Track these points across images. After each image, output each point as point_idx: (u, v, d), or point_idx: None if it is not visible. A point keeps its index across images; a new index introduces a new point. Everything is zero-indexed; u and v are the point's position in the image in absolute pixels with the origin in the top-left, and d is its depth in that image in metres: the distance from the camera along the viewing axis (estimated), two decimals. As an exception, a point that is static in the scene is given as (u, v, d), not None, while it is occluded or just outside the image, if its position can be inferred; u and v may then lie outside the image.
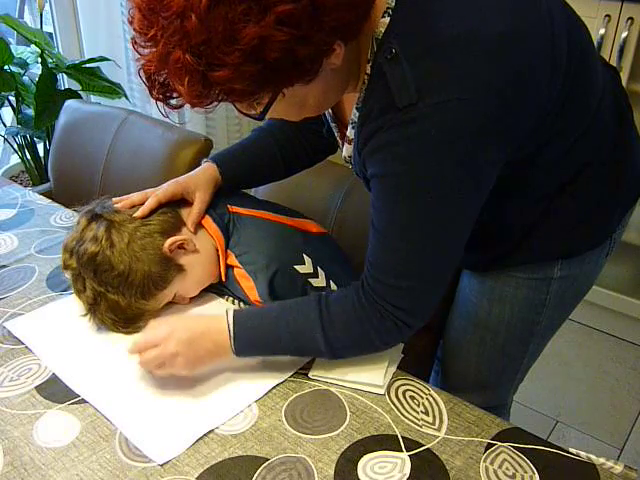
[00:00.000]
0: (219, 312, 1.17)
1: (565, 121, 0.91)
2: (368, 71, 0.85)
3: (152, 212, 1.12)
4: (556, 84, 0.86)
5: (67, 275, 1.12)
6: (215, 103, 0.80)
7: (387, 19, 0.82)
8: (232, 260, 1.14)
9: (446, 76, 0.79)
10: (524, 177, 0.96)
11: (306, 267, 1.13)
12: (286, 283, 1.11)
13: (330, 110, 1.06)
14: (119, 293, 1.06)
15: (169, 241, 1.09)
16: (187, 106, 0.81)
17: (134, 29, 0.76)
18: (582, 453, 0.89)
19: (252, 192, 1.50)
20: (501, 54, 0.80)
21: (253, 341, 0.99)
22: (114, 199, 1.15)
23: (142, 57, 0.78)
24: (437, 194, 0.84)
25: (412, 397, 0.99)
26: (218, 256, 1.16)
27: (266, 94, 0.81)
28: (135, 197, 1.14)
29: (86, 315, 1.11)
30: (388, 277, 0.92)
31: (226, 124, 2.88)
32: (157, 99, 0.81)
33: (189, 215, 1.15)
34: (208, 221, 1.16)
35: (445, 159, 0.81)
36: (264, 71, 0.74)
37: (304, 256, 1.14)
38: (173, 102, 0.82)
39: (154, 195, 1.13)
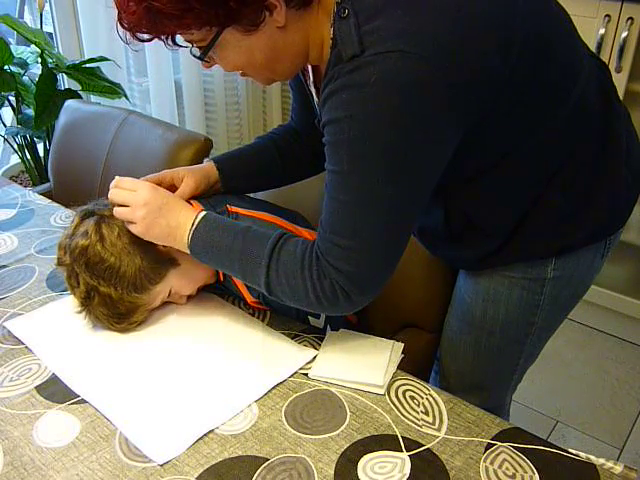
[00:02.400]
0: (218, 311, 1.18)
1: (539, 104, 0.92)
2: (331, 35, 0.88)
3: None
4: (511, 59, 0.86)
5: (61, 272, 1.12)
6: (161, 38, 0.88)
7: None
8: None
9: (393, 31, 0.81)
10: (507, 169, 0.96)
11: None
12: None
13: (317, 98, 1.06)
14: (111, 286, 1.06)
15: None
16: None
17: None
18: (582, 453, 0.89)
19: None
20: (455, 18, 0.82)
21: (207, 242, 1.01)
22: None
23: None
24: (375, 144, 0.84)
25: (412, 397, 0.99)
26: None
27: (200, 32, 0.87)
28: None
29: (81, 312, 1.11)
30: (330, 233, 0.92)
31: (226, 124, 2.88)
32: (120, 24, 0.88)
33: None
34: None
35: (384, 108, 0.82)
36: None
37: None
38: (144, 37, 0.89)
39: (143, 178, 1.17)
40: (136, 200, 1.04)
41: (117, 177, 1.09)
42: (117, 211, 1.06)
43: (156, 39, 0.89)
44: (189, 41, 0.91)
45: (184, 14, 0.83)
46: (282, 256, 0.96)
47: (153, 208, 1.03)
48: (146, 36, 0.89)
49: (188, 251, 1.04)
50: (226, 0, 0.82)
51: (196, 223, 1.02)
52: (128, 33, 0.89)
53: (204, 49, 0.91)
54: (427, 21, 0.81)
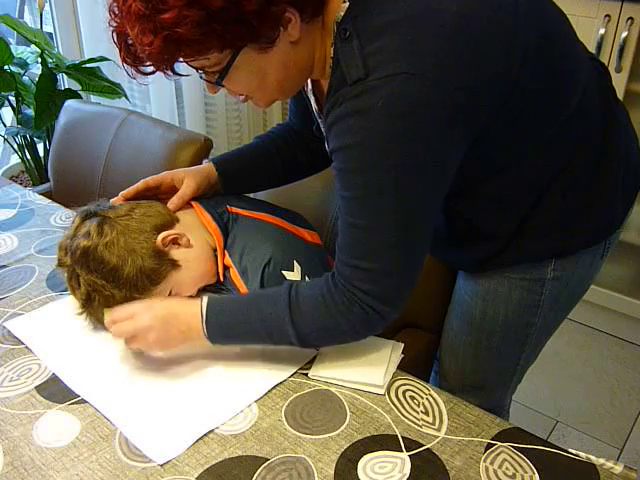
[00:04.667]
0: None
1: (541, 109, 0.92)
2: (332, 55, 0.88)
3: (140, 197, 1.18)
4: (514, 66, 0.86)
5: (62, 272, 1.12)
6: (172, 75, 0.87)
7: (347, 4, 0.85)
8: (227, 260, 1.14)
9: (395, 52, 0.81)
10: (508, 173, 0.96)
11: (294, 274, 1.13)
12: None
13: (316, 106, 1.06)
14: (113, 288, 1.06)
15: (162, 235, 1.10)
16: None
17: None
18: (582, 453, 0.89)
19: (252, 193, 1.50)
20: (455, 34, 0.81)
21: (224, 326, 0.99)
22: (112, 200, 1.17)
23: (113, 18, 0.86)
24: (388, 168, 0.84)
25: (412, 397, 0.99)
26: (215, 255, 1.16)
27: (219, 54, 0.85)
28: (126, 190, 1.18)
29: (82, 313, 1.11)
30: (351, 258, 0.92)
31: (226, 124, 2.88)
32: (124, 61, 0.87)
33: (172, 198, 1.17)
34: (208, 219, 1.16)
35: (393, 132, 0.82)
36: (209, 20, 0.79)
37: (294, 262, 1.14)
38: (147, 70, 0.88)
39: (143, 180, 1.18)
40: (141, 327, 0.99)
41: (109, 314, 1.03)
42: (130, 347, 1.02)
43: (158, 71, 0.87)
44: (200, 67, 0.88)
45: (206, 38, 0.81)
46: (302, 305, 0.95)
47: (158, 327, 0.99)
48: (149, 69, 0.87)
49: (211, 344, 1.01)
50: (247, 18, 0.80)
51: (204, 315, 0.98)
52: (132, 68, 0.87)
53: (221, 72, 0.88)
54: (429, 39, 0.81)
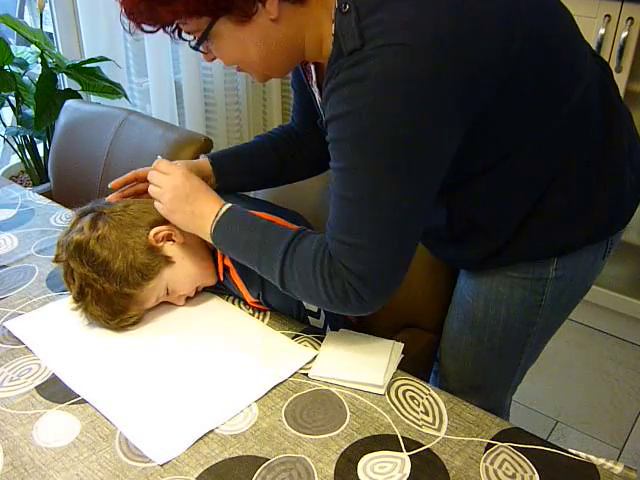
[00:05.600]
0: (218, 311, 1.18)
1: (541, 103, 0.92)
2: (333, 31, 0.88)
3: (135, 195, 1.20)
4: (512, 55, 0.86)
5: (60, 269, 1.12)
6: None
7: None
8: (227, 260, 1.14)
9: (392, 24, 0.81)
10: (509, 168, 0.96)
11: None
12: (274, 287, 1.12)
13: (319, 98, 1.06)
14: (104, 282, 1.06)
15: (154, 230, 1.11)
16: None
17: None
18: (582, 453, 0.89)
19: (252, 193, 1.50)
20: (453, 14, 0.82)
21: (228, 234, 1.03)
22: (107, 197, 1.18)
23: None
24: (379, 139, 0.84)
25: (412, 397, 0.99)
26: (215, 256, 1.16)
27: (197, 20, 0.88)
28: (115, 181, 1.20)
29: (76, 308, 1.11)
30: (337, 232, 0.92)
31: (226, 124, 2.88)
32: (123, 14, 0.91)
33: None
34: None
35: (386, 102, 0.82)
36: None
37: None
38: (148, 28, 0.91)
39: (132, 171, 1.20)
40: (166, 184, 1.07)
41: (158, 159, 1.12)
42: (151, 189, 1.10)
43: (161, 31, 0.90)
44: (187, 32, 0.92)
45: (173, 1, 0.84)
46: (297, 252, 0.96)
47: (180, 194, 1.06)
48: (150, 27, 0.90)
49: (211, 240, 1.05)
50: None
51: (220, 214, 1.03)
52: (132, 24, 0.90)
53: (198, 39, 0.92)
54: (429, 15, 0.81)
